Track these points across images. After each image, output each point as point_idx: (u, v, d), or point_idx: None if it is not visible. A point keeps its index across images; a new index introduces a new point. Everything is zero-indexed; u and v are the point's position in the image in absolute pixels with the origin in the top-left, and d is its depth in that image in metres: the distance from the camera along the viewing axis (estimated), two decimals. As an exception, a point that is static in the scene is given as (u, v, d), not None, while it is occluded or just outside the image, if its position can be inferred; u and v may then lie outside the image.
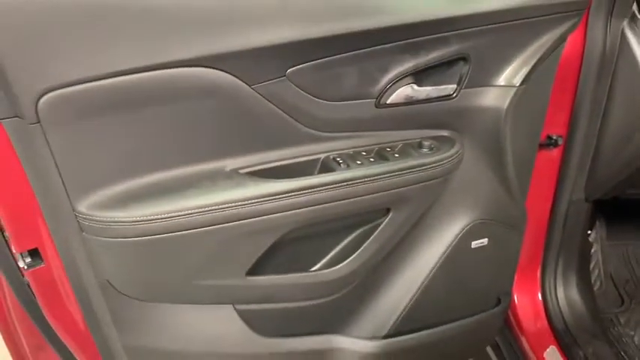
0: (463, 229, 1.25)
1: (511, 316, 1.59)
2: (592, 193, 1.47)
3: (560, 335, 1.54)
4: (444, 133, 1.16)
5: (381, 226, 1.11)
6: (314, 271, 1.10)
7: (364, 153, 1.07)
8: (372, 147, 1.09)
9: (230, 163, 0.98)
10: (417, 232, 1.22)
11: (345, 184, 1.00)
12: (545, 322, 1.57)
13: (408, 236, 1.20)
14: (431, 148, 1.11)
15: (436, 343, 1.29)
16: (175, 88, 0.86)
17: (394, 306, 1.27)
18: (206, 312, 1.03)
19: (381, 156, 1.08)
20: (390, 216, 1.11)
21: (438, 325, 1.30)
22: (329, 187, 0.99)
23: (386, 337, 1.25)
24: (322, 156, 1.06)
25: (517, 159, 1.21)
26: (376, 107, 1.03)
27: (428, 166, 1.08)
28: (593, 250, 1.78)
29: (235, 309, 1.05)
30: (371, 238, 1.11)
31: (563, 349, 1.52)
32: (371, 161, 1.05)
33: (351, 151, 1.08)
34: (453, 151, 1.11)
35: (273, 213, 0.97)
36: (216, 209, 0.93)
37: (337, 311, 1.18)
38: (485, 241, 1.30)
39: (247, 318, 1.06)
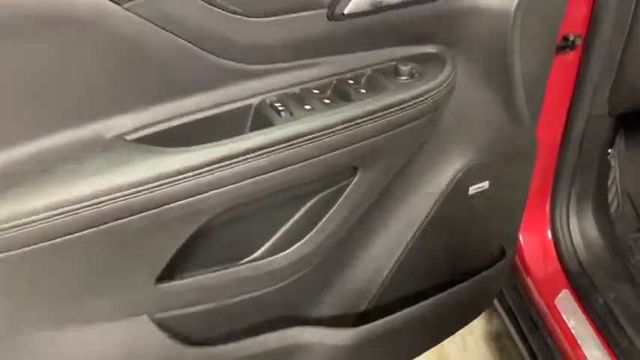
0: (457, 173, 0.95)
1: (517, 259, 1.35)
2: (616, 105, 1.17)
3: (574, 277, 1.30)
4: (429, 49, 0.83)
5: (346, 191, 0.81)
6: (254, 260, 0.80)
7: (316, 91, 0.75)
8: (327, 80, 0.77)
9: (111, 126, 0.65)
10: (397, 185, 0.91)
11: (289, 144, 0.69)
12: (557, 263, 1.33)
13: (384, 192, 0.90)
14: (412, 75, 0.78)
15: (427, 317, 1.02)
16: (16, 16, 0.55)
17: (372, 277, 0.99)
18: (110, 329, 0.73)
19: (341, 93, 0.75)
20: (357, 177, 0.80)
21: (428, 295, 1.03)
22: (267, 151, 0.68)
23: (364, 318, 0.98)
24: (254, 101, 0.73)
25: (528, 75, 0.91)
26: (329, 20, 0.73)
27: (410, 103, 0.76)
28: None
29: (151, 319, 0.75)
30: (332, 208, 0.81)
31: (578, 293, 1.29)
32: (326, 103, 0.73)
33: (296, 89, 0.75)
34: (443, 75, 0.79)
35: (185, 198, 0.66)
36: (91, 203, 0.61)
37: (296, 297, 0.90)
38: (485, 184, 1.01)
39: (170, 327, 0.77)
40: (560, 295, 1.32)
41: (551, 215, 1.34)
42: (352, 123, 0.73)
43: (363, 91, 0.76)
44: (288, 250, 0.81)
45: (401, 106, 0.76)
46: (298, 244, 0.81)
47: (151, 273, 0.71)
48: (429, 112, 0.80)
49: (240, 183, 0.69)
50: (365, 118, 0.74)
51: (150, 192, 0.64)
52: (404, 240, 0.99)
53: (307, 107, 0.73)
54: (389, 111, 0.75)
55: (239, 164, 0.68)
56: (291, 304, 0.90)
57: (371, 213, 0.92)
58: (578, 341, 1.26)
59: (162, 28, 0.63)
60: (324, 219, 0.82)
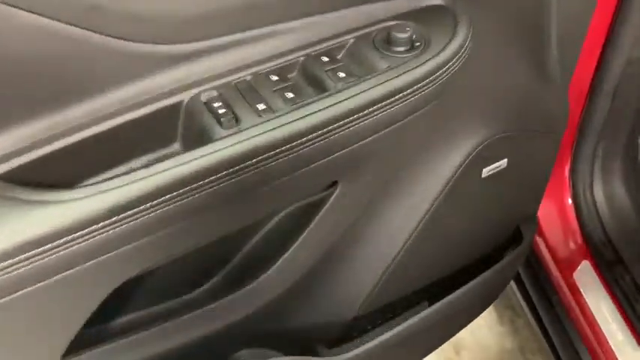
0: (469, 155, 0.75)
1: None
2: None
3: (596, 248, 1.14)
4: (434, 0, 0.58)
5: (321, 211, 0.60)
6: (200, 298, 0.61)
7: (274, 77, 0.53)
8: (289, 59, 0.55)
9: None
10: (391, 182, 0.70)
11: (233, 171, 0.47)
12: (577, 232, 1.15)
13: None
14: (412, 44, 0.55)
15: (438, 320, 0.86)
16: None
17: (365, 279, 0.81)
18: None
19: (311, 79, 0.54)
20: (336, 192, 0.59)
21: (433, 292, 0.86)
22: (203, 183, 0.47)
23: (358, 326, 0.80)
24: (183, 97, 0.50)
25: (565, 19, 0.70)
26: None
27: (411, 90, 0.53)
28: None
29: None
30: (302, 236, 0.60)
31: (601, 266, 1.12)
32: (289, 98, 0.51)
33: (245, 75, 0.52)
34: (457, 40, 0.58)
35: (87, 260, 0.45)
36: None
37: (261, 324, 0.71)
38: (502, 163, 0.81)
39: None
40: (579, 267, 1.15)
41: (571, 176, 1.14)
42: (328, 129, 0.51)
43: (341, 74, 0.54)
44: (239, 292, 0.61)
45: (398, 97, 0.53)
46: (250, 285, 0.61)
47: (55, 350, 0.51)
48: (436, 98, 0.57)
49: (165, 231, 0.47)
50: (347, 121, 0.51)
51: (31, 261, 0.43)
52: (401, 239, 0.80)
53: (260, 107, 0.50)
54: (381, 105, 0.52)
55: (163, 205, 0.46)
56: (253, 333, 0.71)
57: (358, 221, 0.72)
58: (598, 320, 1.11)
59: (29, 11, 0.40)
60: (294, 246, 0.61)
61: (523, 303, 1.21)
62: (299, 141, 0.50)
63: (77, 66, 0.47)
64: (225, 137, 0.49)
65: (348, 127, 0.53)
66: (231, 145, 0.48)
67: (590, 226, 1.15)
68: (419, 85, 0.55)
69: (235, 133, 0.49)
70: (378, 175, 0.64)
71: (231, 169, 0.48)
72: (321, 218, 0.61)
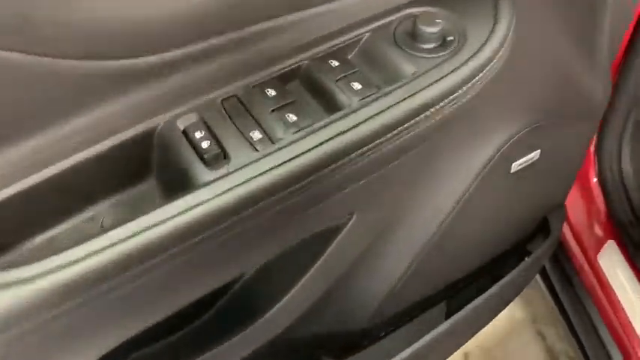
0: (498, 150, 0.64)
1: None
2: None
3: (624, 227, 1.05)
4: None
5: (335, 240, 0.49)
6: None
7: (269, 91, 0.40)
8: (289, 67, 0.42)
9: None
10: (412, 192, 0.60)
11: (230, 222, 0.37)
12: (603, 211, 1.05)
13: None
14: (443, 40, 0.43)
15: (448, 336, 0.77)
16: None
17: (371, 299, 0.72)
18: None
19: (317, 91, 0.44)
20: (352, 222, 0.48)
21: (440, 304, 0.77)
22: (187, 240, 0.36)
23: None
24: (158, 123, 0.39)
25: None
26: None
27: (446, 103, 0.42)
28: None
29: None
30: (312, 268, 0.51)
31: (628, 247, 1.04)
32: (291, 122, 0.40)
33: (236, 89, 0.41)
34: (499, 31, 0.45)
35: None
36: None
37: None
38: (534, 155, 0.70)
39: None
40: (604, 247, 1.07)
41: (597, 149, 1.04)
42: (343, 162, 0.39)
43: (356, 85, 0.42)
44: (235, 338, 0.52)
45: (429, 113, 0.42)
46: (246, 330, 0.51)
47: None
48: (473, 106, 0.46)
49: (143, 300, 0.37)
50: (365, 149, 0.40)
51: None
52: (419, 243, 0.70)
53: (255, 135, 0.39)
54: (408, 125, 0.41)
55: (140, 273, 0.36)
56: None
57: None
58: (623, 304, 1.04)
59: None
60: (303, 279, 0.51)
61: (541, 283, 1.14)
62: (305, 181, 0.39)
63: (15, 96, 0.35)
64: (210, 182, 0.38)
65: (368, 156, 0.42)
66: (219, 195, 0.37)
67: (617, 204, 1.05)
68: (454, 96, 0.44)
69: (223, 176, 0.38)
70: (400, 192, 0.53)
71: (219, 225, 0.37)
72: (335, 249, 0.51)
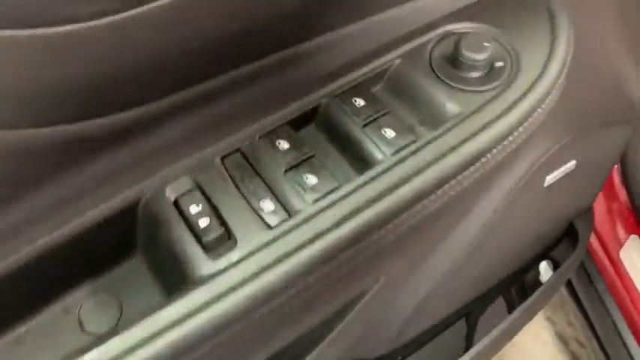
0: (532, 166, 0.55)
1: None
2: None
3: None
4: None
5: (358, 304, 0.42)
6: None
7: (283, 145, 0.33)
8: (302, 109, 0.36)
9: None
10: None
11: (242, 328, 0.29)
12: (625, 205, 0.98)
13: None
14: (490, 68, 0.35)
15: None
16: None
17: (389, 327, 0.65)
18: None
19: (341, 143, 0.38)
20: (379, 284, 0.40)
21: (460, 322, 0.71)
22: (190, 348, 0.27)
23: None
24: (142, 195, 0.30)
25: None
26: None
27: (499, 149, 0.33)
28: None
29: None
30: (331, 334, 0.43)
31: None
32: (311, 187, 0.33)
33: (239, 142, 0.32)
34: (559, 55, 0.36)
35: None
36: None
37: None
38: (570, 165, 0.62)
39: None
40: (627, 243, 1.00)
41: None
42: (379, 232, 0.31)
43: (388, 132, 0.34)
44: None
45: (481, 162, 0.34)
46: None
47: None
48: (526, 143, 0.38)
49: None
50: (404, 216, 0.32)
51: None
52: (443, 266, 0.63)
53: (266, 207, 0.31)
54: (453, 183, 0.33)
55: None
56: None
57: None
58: None
59: None
60: (321, 345, 0.43)
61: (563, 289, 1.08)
62: (331, 265, 0.31)
63: None
64: (214, 277, 0.29)
65: (406, 219, 0.34)
66: (226, 295, 0.29)
67: None
68: (509, 140, 0.35)
69: (229, 267, 0.30)
70: (432, 239, 0.45)
71: (228, 328, 0.29)
72: (355, 315, 0.43)
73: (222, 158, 0.34)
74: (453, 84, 0.36)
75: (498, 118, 0.35)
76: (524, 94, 0.36)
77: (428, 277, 0.62)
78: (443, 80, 0.37)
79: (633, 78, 0.59)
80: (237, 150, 0.34)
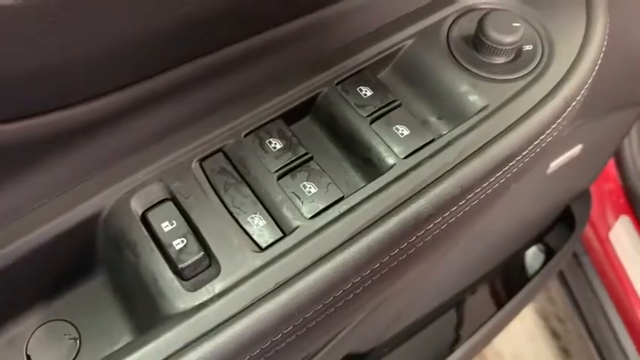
0: (535, 147, 0.50)
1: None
2: None
3: (638, 199, 0.94)
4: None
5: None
6: None
7: (273, 144, 0.29)
8: (297, 99, 0.31)
9: None
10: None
11: None
12: (616, 185, 0.96)
13: None
14: (519, 53, 0.33)
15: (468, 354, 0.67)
16: None
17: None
18: None
19: (344, 141, 0.31)
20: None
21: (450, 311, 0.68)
22: None
23: None
24: (106, 204, 0.25)
25: None
26: None
27: (531, 148, 0.28)
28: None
29: None
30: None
31: None
32: (309, 196, 0.29)
33: (221, 141, 0.30)
34: (596, 39, 0.30)
35: None
36: None
37: None
38: (576, 149, 0.58)
39: None
40: (617, 223, 0.97)
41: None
42: (391, 252, 0.26)
43: (401, 130, 0.28)
44: None
45: (509, 165, 0.28)
46: None
47: None
48: (551, 140, 0.33)
49: None
50: (423, 232, 0.27)
51: None
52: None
53: (255, 223, 0.25)
54: (479, 190, 0.28)
55: None
56: None
57: None
58: (634, 283, 0.96)
59: None
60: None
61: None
62: (333, 296, 0.26)
63: None
64: (193, 313, 0.24)
65: (423, 236, 0.28)
66: (209, 336, 0.23)
67: (634, 177, 0.96)
68: (541, 139, 0.30)
69: (211, 300, 0.24)
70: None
71: None
72: (353, 328, 0.38)
73: (201, 161, 0.28)
74: (475, 70, 0.31)
75: (531, 113, 0.29)
76: (559, 85, 0.30)
77: (421, 272, 0.57)
78: (463, 66, 0.31)
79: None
80: (219, 150, 0.28)
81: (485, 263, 0.71)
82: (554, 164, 0.58)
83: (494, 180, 0.29)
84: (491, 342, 0.83)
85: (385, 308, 0.58)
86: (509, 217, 0.65)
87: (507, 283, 0.77)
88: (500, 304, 0.70)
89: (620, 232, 0.99)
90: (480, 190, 0.29)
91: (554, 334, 1.19)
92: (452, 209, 0.28)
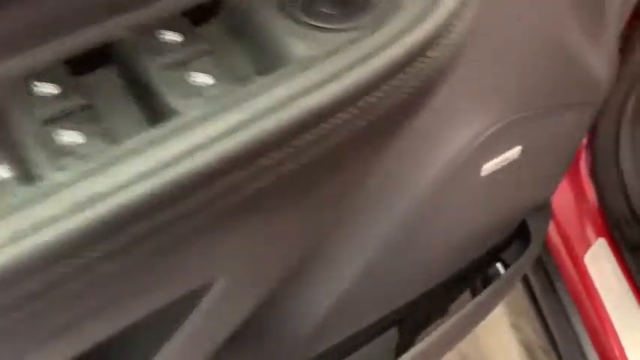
0: (461, 149, 0.48)
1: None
2: None
3: (617, 224, 0.90)
4: None
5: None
6: None
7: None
8: (82, 48, 0.26)
9: None
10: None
11: None
12: (593, 206, 0.92)
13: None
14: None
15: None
16: None
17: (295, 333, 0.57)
18: None
19: (134, 87, 0.27)
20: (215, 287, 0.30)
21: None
22: None
23: None
24: None
25: None
26: None
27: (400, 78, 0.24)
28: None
29: None
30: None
31: (620, 245, 0.90)
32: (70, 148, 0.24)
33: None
34: None
35: None
36: None
37: None
38: (514, 152, 0.53)
39: None
40: (593, 247, 0.92)
41: (590, 136, 0.88)
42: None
43: (202, 78, 0.23)
44: None
45: (383, 90, 0.24)
46: None
47: None
48: (434, 75, 0.28)
49: None
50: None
51: None
52: (359, 261, 0.54)
53: None
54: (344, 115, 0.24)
55: None
56: None
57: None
58: (610, 313, 0.90)
59: None
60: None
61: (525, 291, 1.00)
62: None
63: None
64: None
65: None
66: None
67: (612, 199, 0.92)
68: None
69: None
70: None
71: None
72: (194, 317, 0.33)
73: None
74: (304, 20, 0.27)
75: (356, 64, 0.25)
76: (401, 33, 0.26)
77: (344, 266, 0.53)
78: (292, 15, 0.27)
79: (589, 48, 0.50)
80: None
81: (430, 275, 0.67)
82: (489, 166, 0.54)
83: (308, 136, 0.25)
84: None
85: (293, 311, 0.54)
86: (454, 225, 0.61)
87: (452, 301, 0.72)
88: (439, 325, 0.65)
89: (596, 255, 0.94)
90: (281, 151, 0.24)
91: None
92: (246, 167, 0.24)
